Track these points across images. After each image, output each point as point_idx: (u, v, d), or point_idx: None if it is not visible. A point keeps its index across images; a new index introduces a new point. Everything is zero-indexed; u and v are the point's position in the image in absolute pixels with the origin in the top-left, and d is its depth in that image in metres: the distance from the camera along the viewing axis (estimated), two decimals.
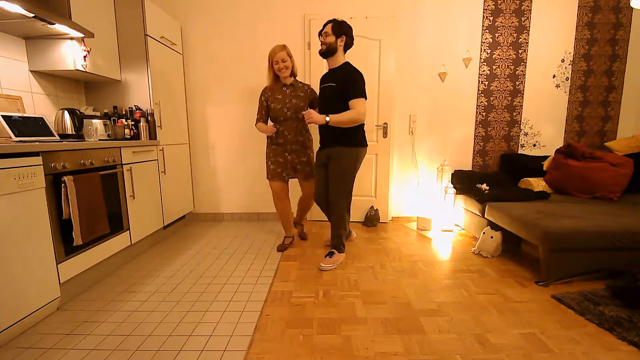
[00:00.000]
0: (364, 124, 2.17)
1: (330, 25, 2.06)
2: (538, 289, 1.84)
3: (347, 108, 2.03)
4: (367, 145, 2.23)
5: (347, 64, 2.12)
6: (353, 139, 2.12)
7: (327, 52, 2.07)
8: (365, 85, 2.10)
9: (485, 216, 2.46)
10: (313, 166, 2.43)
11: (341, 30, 2.04)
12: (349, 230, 2.59)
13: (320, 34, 2.10)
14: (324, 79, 2.22)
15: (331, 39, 2.04)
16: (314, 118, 2.02)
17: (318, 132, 2.28)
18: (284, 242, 2.53)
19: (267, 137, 2.42)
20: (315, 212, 3.06)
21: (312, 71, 3.00)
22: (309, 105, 2.34)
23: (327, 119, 2.01)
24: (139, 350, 1.34)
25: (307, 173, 2.43)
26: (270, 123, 2.42)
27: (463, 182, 2.93)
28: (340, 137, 2.11)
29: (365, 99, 2.05)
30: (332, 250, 2.22)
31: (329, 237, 2.36)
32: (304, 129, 2.39)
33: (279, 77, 2.31)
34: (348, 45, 2.11)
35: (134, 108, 2.52)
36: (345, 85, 2.02)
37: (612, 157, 2.62)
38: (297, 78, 2.40)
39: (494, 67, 3.13)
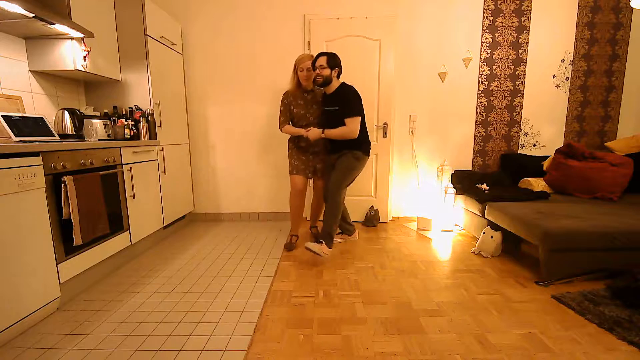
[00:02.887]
0: (368, 137, 2.41)
1: (325, 58, 2.22)
2: (538, 289, 1.83)
3: None
4: (369, 156, 2.41)
5: (343, 85, 2.31)
6: (360, 147, 2.33)
7: (324, 84, 2.27)
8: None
9: (485, 216, 2.46)
10: None
11: (335, 63, 2.24)
12: (353, 227, 2.72)
13: (313, 64, 2.26)
14: (324, 102, 2.41)
15: (327, 71, 2.22)
16: (311, 136, 2.31)
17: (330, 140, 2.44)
18: (291, 241, 2.56)
19: (290, 140, 2.54)
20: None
21: None
22: None
23: (322, 134, 2.30)
24: (139, 350, 1.34)
25: (324, 173, 2.55)
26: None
27: (463, 182, 2.93)
28: (349, 144, 2.31)
29: (360, 115, 2.27)
30: (321, 240, 2.23)
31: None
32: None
33: (300, 83, 2.40)
34: (339, 74, 2.32)
35: (134, 108, 2.52)
36: (343, 106, 2.24)
37: (612, 157, 2.62)
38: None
39: (494, 67, 3.13)
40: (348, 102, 2.23)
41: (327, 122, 2.35)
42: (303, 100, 2.43)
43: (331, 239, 2.27)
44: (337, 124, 2.26)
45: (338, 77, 2.32)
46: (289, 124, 2.46)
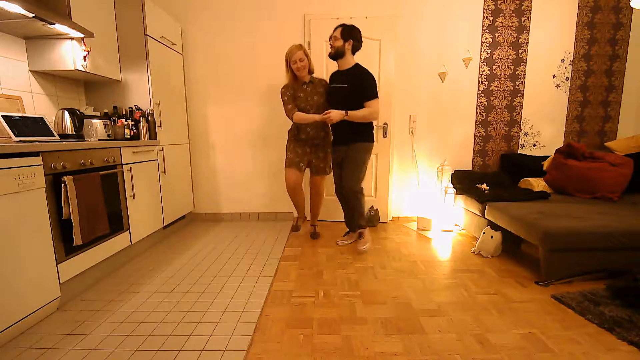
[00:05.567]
0: (372, 123, 2.37)
1: (339, 29, 2.20)
2: (538, 289, 1.84)
3: (356, 108, 2.21)
4: (374, 141, 2.41)
5: (357, 65, 2.27)
6: (366, 136, 2.33)
7: (336, 55, 2.25)
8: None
9: (485, 216, 2.46)
10: (328, 162, 2.57)
11: (350, 34, 2.20)
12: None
13: (330, 37, 2.25)
14: (334, 79, 2.39)
15: (339, 42, 2.20)
16: (334, 117, 2.19)
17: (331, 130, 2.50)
18: (297, 223, 2.76)
19: (290, 130, 2.51)
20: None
21: None
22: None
23: (345, 115, 2.19)
24: (139, 350, 1.34)
25: (320, 169, 2.54)
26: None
27: (463, 182, 2.93)
28: (356, 134, 2.30)
29: (378, 97, 2.24)
30: (360, 231, 2.41)
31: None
32: (325, 125, 2.48)
33: (296, 76, 2.38)
34: (356, 48, 2.27)
35: (134, 108, 2.52)
36: (358, 87, 2.19)
37: (612, 157, 2.62)
38: (313, 74, 2.47)
39: (494, 67, 3.13)
40: (367, 83, 2.19)
41: (332, 102, 2.30)
42: (303, 92, 2.40)
43: (366, 226, 2.43)
44: (343, 104, 2.20)
45: (354, 52, 2.26)
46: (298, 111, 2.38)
